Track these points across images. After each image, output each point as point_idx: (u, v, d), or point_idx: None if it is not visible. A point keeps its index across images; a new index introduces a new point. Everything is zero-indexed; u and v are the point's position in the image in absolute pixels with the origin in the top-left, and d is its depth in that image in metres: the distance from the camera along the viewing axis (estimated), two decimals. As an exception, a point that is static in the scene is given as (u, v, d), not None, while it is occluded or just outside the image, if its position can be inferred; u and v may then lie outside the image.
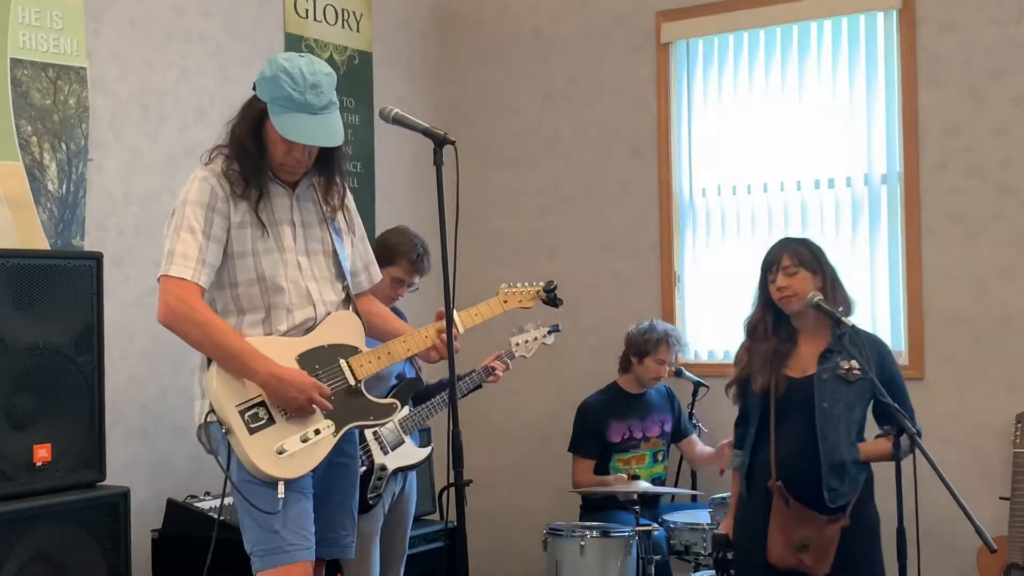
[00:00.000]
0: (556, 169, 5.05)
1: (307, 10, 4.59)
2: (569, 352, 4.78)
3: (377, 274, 2.98)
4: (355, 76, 4.81)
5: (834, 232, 4.42)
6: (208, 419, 2.57)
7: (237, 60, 4.27)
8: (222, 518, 2.71)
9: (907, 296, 4.25)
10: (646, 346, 4.24)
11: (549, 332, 3.67)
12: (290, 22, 4.51)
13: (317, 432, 2.60)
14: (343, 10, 4.76)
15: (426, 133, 2.57)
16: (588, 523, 3.92)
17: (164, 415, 3.94)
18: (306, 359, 2.63)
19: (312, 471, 2.63)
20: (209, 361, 2.60)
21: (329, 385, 2.64)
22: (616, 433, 4.26)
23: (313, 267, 2.71)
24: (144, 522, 3.63)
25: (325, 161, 2.73)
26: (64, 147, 3.67)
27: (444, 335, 2.73)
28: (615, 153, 4.90)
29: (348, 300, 2.80)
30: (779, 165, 4.56)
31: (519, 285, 3.00)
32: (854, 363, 3.13)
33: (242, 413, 2.54)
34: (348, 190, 2.85)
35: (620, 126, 4.88)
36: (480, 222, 5.10)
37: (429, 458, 4.20)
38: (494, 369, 3.69)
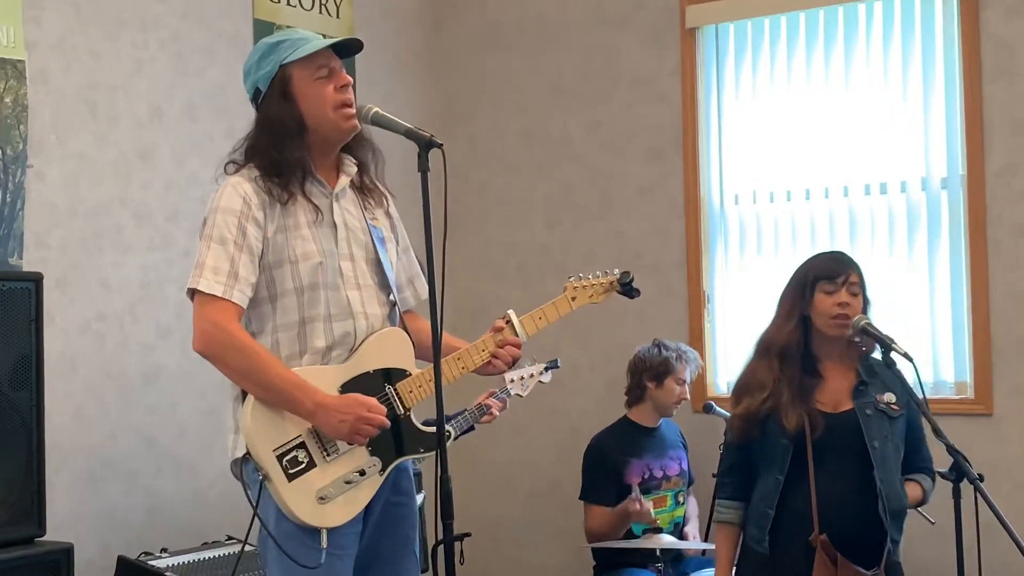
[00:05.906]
0: (566, 174, 5.07)
1: (279, -7, 4.64)
2: (582, 385, 4.78)
3: (423, 289, 2.99)
4: (335, 68, 4.81)
5: (887, 245, 4.43)
6: (244, 456, 2.62)
7: (198, 50, 4.31)
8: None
9: (972, 319, 4.27)
10: (665, 366, 4.26)
11: (546, 369, 3.69)
12: (259, 7, 4.55)
13: (362, 473, 2.66)
14: (321, -7, 4.81)
15: (409, 135, 2.59)
16: (604, 583, 3.93)
17: (114, 459, 3.95)
18: (349, 389, 2.68)
19: (363, 517, 2.69)
20: (245, 394, 2.64)
21: None
22: (636, 473, 4.27)
23: (357, 275, 2.77)
24: (90, 583, 3.65)
25: (360, 162, 2.85)
26: (-1, 152, 3.71)
27: (505, 344, 2.80)
28: (633, 155, 4.92)
29: (393, 313, 2.85)
30: (823, 168, 4.57)
31: (589, 276, 2.94)
32: (890, 396, 3.17)
33: (280, 458, 2.60)
34: (390, 197, 2.94)
35: (639, 124, 4.90)
36: (480, 233, 5.14)
37: (420, 508, 4.18)
38: (488, 408, 3.71)
